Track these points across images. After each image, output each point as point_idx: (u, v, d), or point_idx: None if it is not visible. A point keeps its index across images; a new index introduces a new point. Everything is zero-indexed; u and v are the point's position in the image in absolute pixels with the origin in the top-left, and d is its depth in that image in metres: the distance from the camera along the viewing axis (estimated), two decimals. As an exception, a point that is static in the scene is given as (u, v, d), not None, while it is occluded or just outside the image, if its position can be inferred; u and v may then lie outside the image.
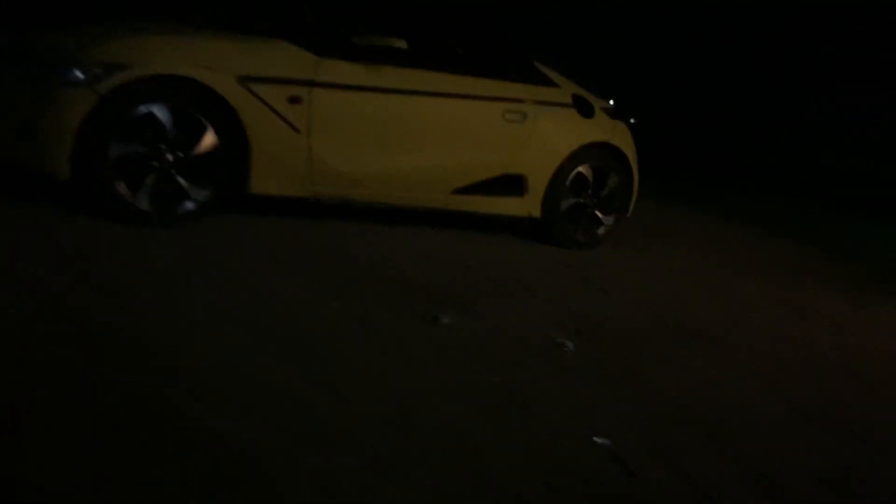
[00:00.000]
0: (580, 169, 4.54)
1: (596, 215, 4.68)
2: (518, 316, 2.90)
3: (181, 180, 3.35)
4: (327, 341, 2.32)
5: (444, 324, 2.66)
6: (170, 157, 3.31)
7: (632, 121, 4.89)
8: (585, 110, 4.61)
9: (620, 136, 4.75)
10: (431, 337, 2.53)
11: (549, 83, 4.55)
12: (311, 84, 3.62)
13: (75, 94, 3.11)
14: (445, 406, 2.03)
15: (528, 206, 4.41)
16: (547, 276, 3.65)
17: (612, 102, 4.89)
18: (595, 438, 1.96)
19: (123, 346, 2.05)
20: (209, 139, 3.37)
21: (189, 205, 3.39)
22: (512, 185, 4.35)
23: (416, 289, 3.02)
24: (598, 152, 4.61)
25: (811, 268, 5.11)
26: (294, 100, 3.58)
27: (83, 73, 3.12)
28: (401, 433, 1.83)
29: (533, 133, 4.35)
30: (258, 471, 1.58)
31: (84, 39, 3.29)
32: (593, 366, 2.51)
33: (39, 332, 2.01)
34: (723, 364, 2.79)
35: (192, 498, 1.45)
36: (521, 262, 3.89)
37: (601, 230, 4.71)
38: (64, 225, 3.12)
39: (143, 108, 3.22)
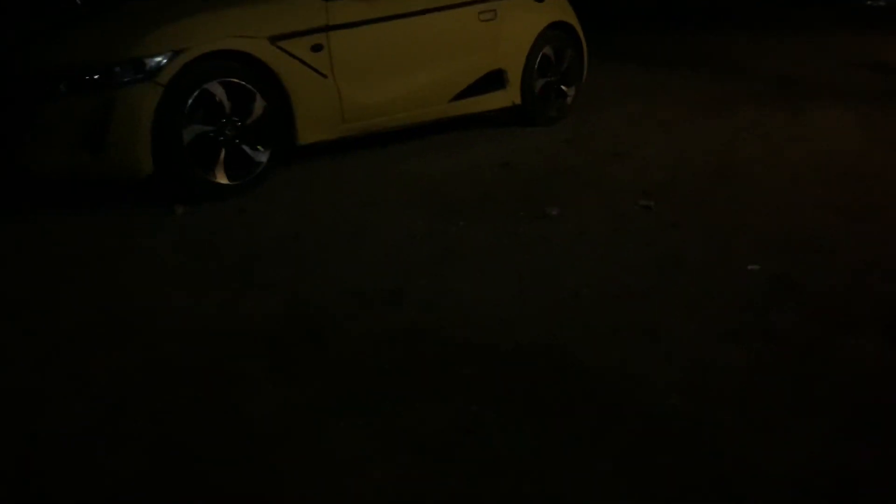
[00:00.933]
0: (544, 51, 4.99)
1: (562, 89, 5.20)
2: (595, 194, 3.46)
3: (246, 148, 3.54)
4: (492, 255, 2.79)
5: (553, 215, 3.18)
6: (231, 129, 3.47)
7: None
8: (538, -5, 5.00)
9: (567, 13, 5.20)
10: (554, 228, 3.06)
11: (503, -24, 4.89)
12: (326, 29, 3.81)
13: (142, 91, 3.19)
14: (619, 278, 2.58)
15: (510, 96, 4.85)
16: (575, 156, 4.20)
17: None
18: (749, 266, 2.61)
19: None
20: (259, 104, 3.54)
21: (257, 169, 3.60)
22: (495, 80, 4.75)
23: (502, 193, 3.50)
24: (555, 32, 5.06)
25: (735, 96, 5.95)
26: (316, 48, 3.77)
27: (143, 67, 3.19)
28: (610, 302, 2.40)
29: (503, 27, 4.72)
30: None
31: (121, 35, 3.31)
32: (686, 216, 3.15)
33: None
34: (763, 192, 3.49)
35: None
36: (542, 148, 4.40)
37: (568, 101, 5.26)
38: (167, 218, 3.28)
39: (200, 89, 3.33)
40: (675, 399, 1.85)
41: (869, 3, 16.49)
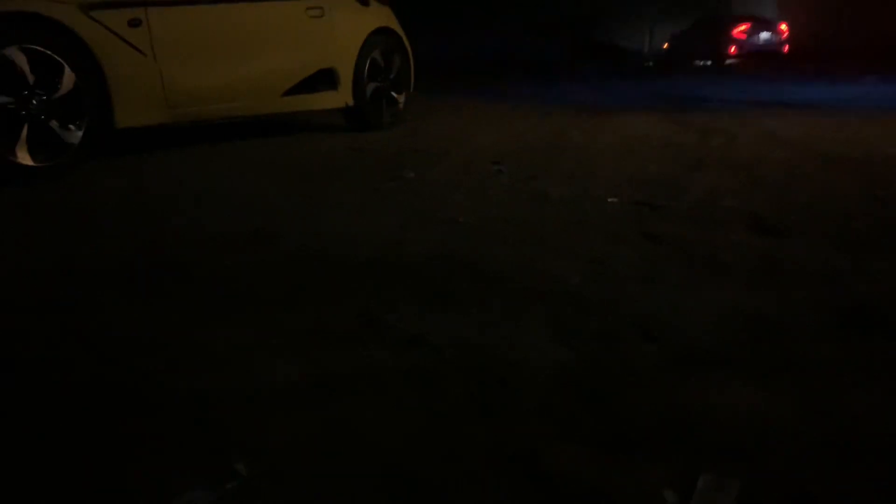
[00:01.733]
0: (373, 55, 4.96)
1: (392, 96, 5.19)
2: (448, 164, 3.41)
3: (54, 126, 3.11)
4: (361, 204, 2.60)
5: (411, 177, 3.07)
6: (35, 103, 3.04)
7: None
8: (363, 0, 5.00)
9: (392, 20, 5.25)
10: (416, 184, 2.95)
11: (328, -21, 4.84)
12: (144, 3, 3.50)
13: (-80, 47, 2.69)
14: (494, 212, 2.48)
15: (343, 97, 4.75)
16: (420, 143, 4.16)
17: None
18: (609, 199, 2.64)
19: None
20: (68, 78, 3.15)
21: (68, 151, 3.17)
22: (327, 79, 4.64)
23: (356, 166, 3.35)
24: (382, 38, 5.07)
25: (552, 111, 6.32)
26: (134, 22, 3.45)
27: (-78, 21, 2.70)
28: (491, 226, 2.27)
29: (332, 27, 4.64)
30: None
31: None
32: (539, 173, 3.17)
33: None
34: (600, 156, 3.64)
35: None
36: (387, 139, 4.33)
37: (400, 107, 5.25)
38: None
39: (-5, 54, 2.89)
40: (579, 280, 1.77)
41: (645, 63, 19.42)
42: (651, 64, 19.57)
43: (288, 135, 4.56)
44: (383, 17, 5.12)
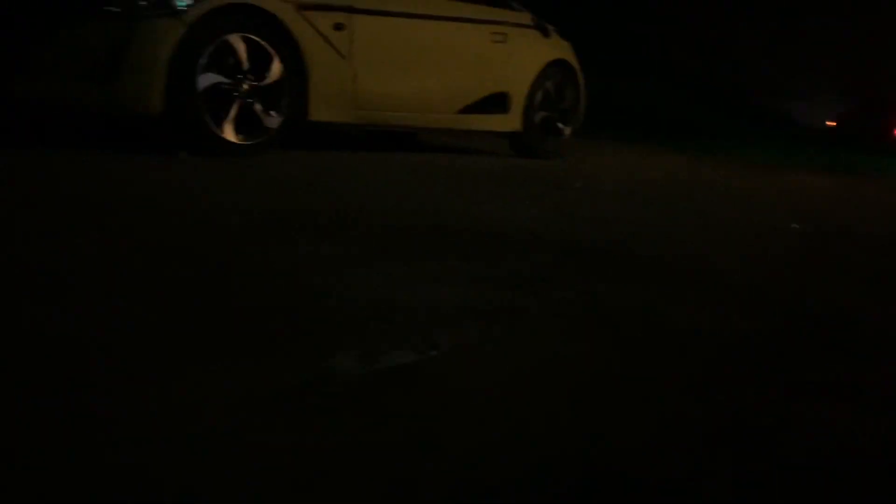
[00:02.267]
0: (547, 85, 5.07)
1: (558, 127, 5.26)
2: (619, 183, 3.45)
3: (257, 109, 3.41)
4: (515, 199, 2.67)
5: (577, 187, 3.11)
6: (246, 87, 3.36)
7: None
8: (545, 31, 5.15)
9: (571, 54, 5.35)
10: (582, 193, 2.99)
11: (514, 7, 5.04)
12: (351, 10, 3.80)
13: (166, 25, 3.08)
14: (662, 225, 2.48)
15: (512, 121, 4.87)
16: (580, 168, 4.23)
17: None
18: (792, 225, 2.56)
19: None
20: (276, 68, 3.46)
21: (266, 134, 3.46)
22: (499, 103, 4.78)
23: (521, 177, 3.45)
24: (558, 69, 5.17)
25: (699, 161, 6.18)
26: (338, 26, 3.75)
27: (168, 3, 3.09)
28: (663, 234, 2.28)
29: (512, 53, 4.81)
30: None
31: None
32: (704, 198, 3.13)
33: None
34: (766, 196, 3.55)
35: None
36: (545, 164, 4.41)
37: (564, 139, 5.31)
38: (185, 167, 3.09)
39: (222, 38, 3.24)
40: (739, 277, 1.72)
41: (812, 133, 18.61)
42: (822, 134, 18.93)
43: (450, 152, 4.73)
44: (562, 50, 5.23)
